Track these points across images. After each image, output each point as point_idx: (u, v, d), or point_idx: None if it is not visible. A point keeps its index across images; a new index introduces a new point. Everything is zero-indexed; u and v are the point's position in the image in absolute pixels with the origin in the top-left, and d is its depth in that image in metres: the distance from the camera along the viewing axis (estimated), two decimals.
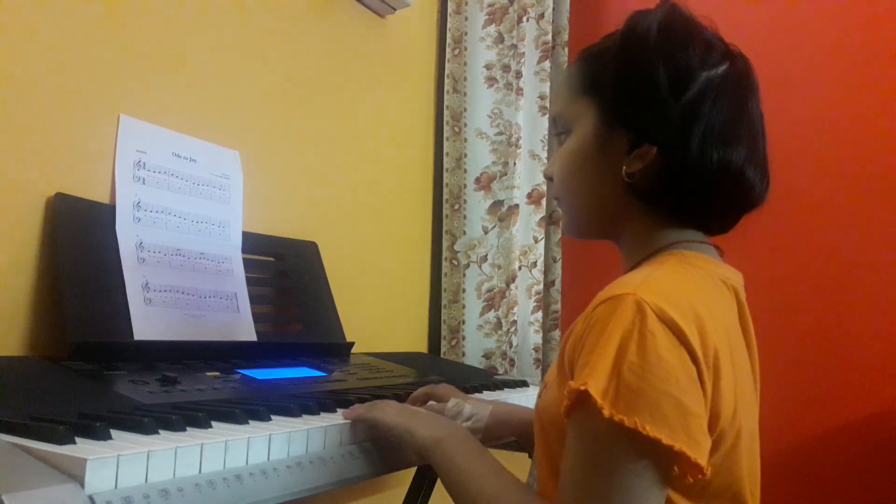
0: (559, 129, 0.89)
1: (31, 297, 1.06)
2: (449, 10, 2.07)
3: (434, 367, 1.63)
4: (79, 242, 1.08)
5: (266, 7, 1.51)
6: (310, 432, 0.82)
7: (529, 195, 2.08)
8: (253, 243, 1.38)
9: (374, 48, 1.83)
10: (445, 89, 2.05)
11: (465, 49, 2.07)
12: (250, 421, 0.83)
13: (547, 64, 2.11)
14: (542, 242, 2.08)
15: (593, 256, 2.11)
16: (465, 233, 2.03)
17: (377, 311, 1.81)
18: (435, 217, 2.07)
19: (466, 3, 2.08)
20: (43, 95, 1.10)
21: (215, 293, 1.26)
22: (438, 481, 0.86)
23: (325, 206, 1.67)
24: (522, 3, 2.07)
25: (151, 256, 1.18)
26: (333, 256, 1.58)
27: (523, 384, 1.55)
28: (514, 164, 2.01)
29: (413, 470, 1.62)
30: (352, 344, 1.48)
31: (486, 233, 2.02)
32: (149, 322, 1.13)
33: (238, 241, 1.35)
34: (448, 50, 2.07)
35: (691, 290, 0.74)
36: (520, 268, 2.03)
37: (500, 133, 2.04)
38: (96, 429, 0.67)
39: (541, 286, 2.06)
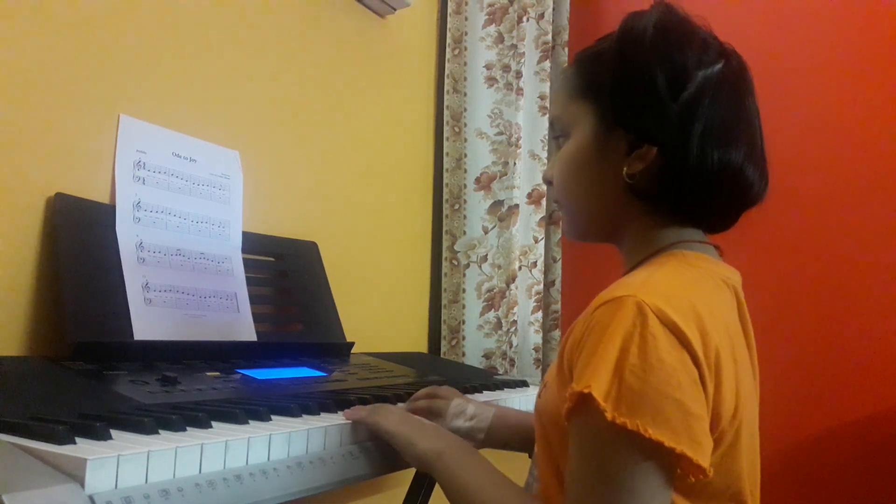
0: (557, 133, 0.89)
1: (31, 297, 1.06)
2: (449, 10, 2.07)
3: (434, 367, 1.63)
4: (79, 242, 1.08)
5: (266, 7, 1.51)
6: (310, 432, 0.82)
7: (529, 195, 2.08)
8: (253, 243, 1.38)
9: (374, 48, 1.83)
10: (445, 89, 2.05)
11: (465, 49, 2.07)
12: (250, 421, 0.83)
13: (547, 64, 2.11)
14: (542, 242, 2.08)
15: (593, 256, 2.11)
16: (465, 233, 2.03)
17: (377, 311, 1.81)
18: (435, 217, 2.07)
19: (466, 3, 2.08)
20: (43, 95, 1.10)
21: (215, 293, 1.26)
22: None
23: (325, 206, 1.67)
24: (522, 3, 2.07)
25: (151, 256, 1.18)
26: (333, 256, 1.58)
27: (523, 384, 1.55)
28: (514, 164, 2.01)
29: (413, 470, 1.62)
30: (352, 344, 1.48)
31: (486, 233, 2.02)
32: (149, 322, 1.13)
33: (238, 241, 1.35)
34: (448, 50, 2.07)
35: (692, 290, 0.74)
36: (520, 268, 2.03)
37: (500, 133, 2.04)
38: (96, 429, 0.67)
39: (541, 286, 2.06)
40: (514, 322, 1.98)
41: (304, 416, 0.90)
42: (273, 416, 0.87)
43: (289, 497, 0.75)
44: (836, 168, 2.02)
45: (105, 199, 1.16)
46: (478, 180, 2.04)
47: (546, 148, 2.09)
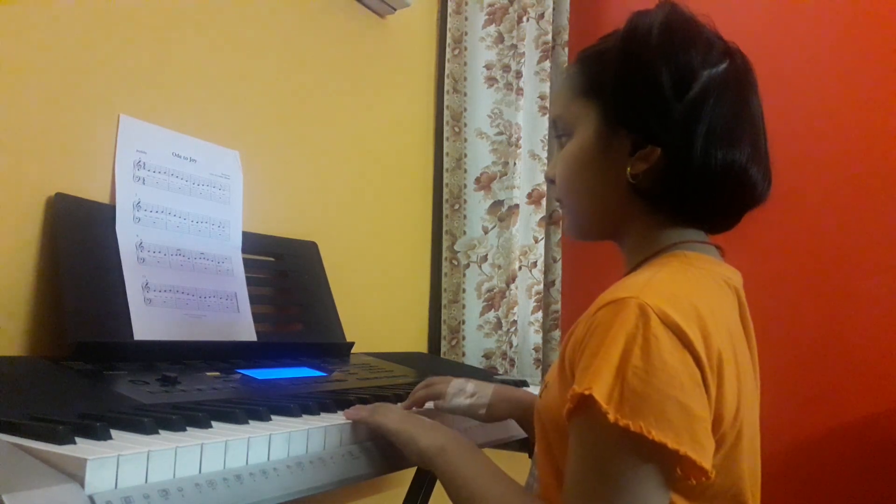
0: (560, 132, 0.89)
1: (31, 297, 1.06)
2: (449, 10, 2.07)
3: (434, 367, 1.63)
4: (79, 242, 1.08)
5: (266, 7, 1.51)
6: (310, 432, 0.82)
7: (529, 195, 2.08)
8: (253, 243, 1.38)
9: (374, 48, 1.83)
10: (445, 89, 2.05)
11: (465, 49, 2.07)
12: (250, 421, 0.83)
13: (547, 64, 2.11)
14: (543, 242, 2.08)
15: (593, 256, 2.11)
16: (465, 233, 2.03)
17: (377, 311, 1.81)
18: (435, 217, 2.07)
19: (466, 3, 2.08)
20: (43, 95, 1.10)
21: (215, 293, 1.26)
22: (438, 481, 0.86)
23: (325, 206, 1.67)
24: (522, 3, 2.07)
25: (151, 256, 1.18)
26: (333, 256, 1.58)
27: (523, 384, 1.55)
28: (514, 164, 2.01)
29: (413, 470, 1.62)
30: (352, 344, 1.48)
31: (486, 233, 2.02)
32: (149, 322, 1.13)
33: (238, 241, 1.35)
34: (448, 50, 2.07)
35: (694, 291, 0.74)
36: (520, 268, 2.03)
37: (500, 133, 2.04)
38: (96, 429, 0.67)
39: (541, 286, 2.06)
40: (514, 322, 1.98)
41: (304, 416, 0.90)
42: (273, 416, 0.87)
43: (289, 497, 0.75)
44: (836, 168, 2.02)
45: (105, 199, 1.16)
46: (478, 180, 2.04)
47: (546, 148, 2.09)
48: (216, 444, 0.70)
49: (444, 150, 2.05)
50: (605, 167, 0.82)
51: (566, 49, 2.18)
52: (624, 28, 0.81)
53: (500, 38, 2.07)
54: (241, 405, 0.89)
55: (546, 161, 2.09)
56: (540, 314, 2.05)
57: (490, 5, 2.07)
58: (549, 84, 2.11)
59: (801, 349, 2.00)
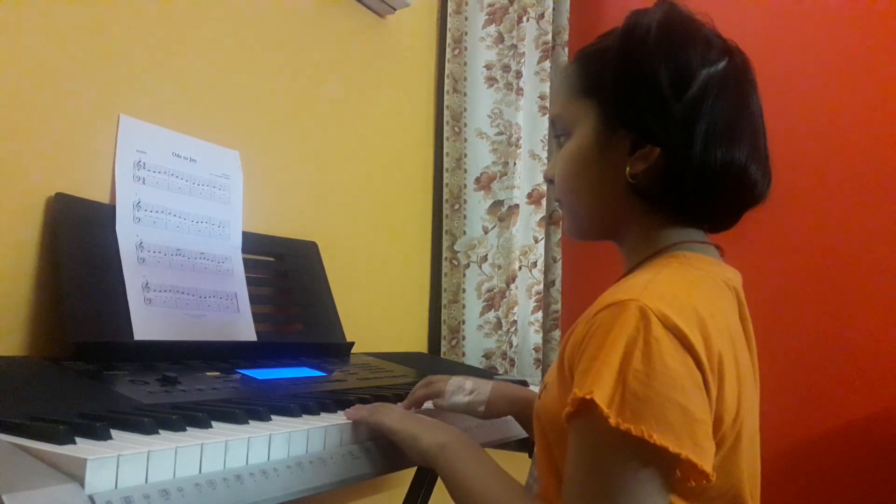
0: (559, 131, 0.88)
1: (31, 297, 1.06)
2: (449, 10, 2.07)
3: (434, 367, 1.63)
4: (79, 242, 1.08)
5: (266, 7, 1.51)
6: (310, 432, 0.82)
7: (529, 195, 2.08)
8: (253, 243, 1.38)
9: (374, 48, 1.83)
10: (445, 89, 2.05)
11: (465, 49, 2.07)
12: (250, 421, 0.83)
13: (547, 64, 2.11)
14: (542, 242, 2.08)
15: (593, 256, 2.11)
16: (465, 233, 2.03)
17: (377, 311, 1.81)
18: (435, 217, 2.07)
19: (466, 3, 2.08)
20: (43, 95, 1.10)
21: (215, 293, 1.26)
22: (438, 481, 0.86)
23: (325, 206, 1.67)
24: (522, 3, 2.07)
25: (151, 256, 1.18)
26: (333, 256, 1.58)
27: (523, 384, 1.55)
28: (514, 164, 2.01)
29: (413, 470, 1.62)
30: (352, 344, 1.48)
31: (486, 233, 2.02)
32: (149, 322, 1.13)
33: (238, 241, 1.35)
34: (448, 50, 2.07)
35: (694, 293, 0.73)
36: (520, 268, 2.03)
37: (500, 133, 2.04)
38: (96, 429, 0.67)
39: (541, 286, 2.06)
40: (514, 322, 1.98)
41: (304, 416, 0.90)
42: (273, 416, 0.87)
43: (289, 497, 0.75)
44: (836, 168, 2.02)
45: (105, 199, 1.16)
46: (478, 180, 2.04)
47: (546, 148, 2.09)
48: (216, 444, 0.70)
49: (444, 150, 2.05)
50: (604, 167, 0.82)
51: (566, 49, 2.18)
52: (622, 27, 0.81)
53: (500, 38, 2.07)
54: (241, 405, 0.89)
55: (546, 161, 2.09)
56: (540, 314, 2.05)
57: (490, 5, 2.07)
58: (549, 84, 2.11)
59: (801, 349, 2.00)
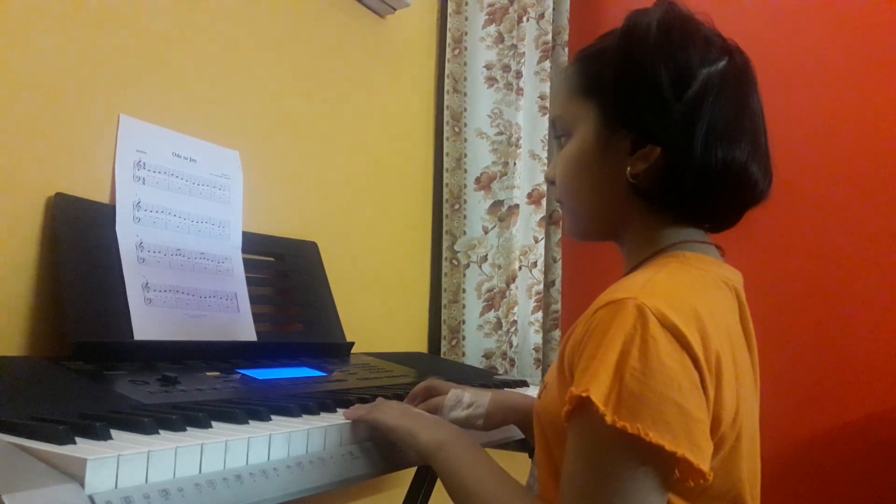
0: (559, 132, 0.88)
1: (31, 297, 1.06)
2: (449, 10, 2.07)
3: (434, 367, 1.63)
4: (79, 242, 1.08)
5: (266, 7, 1.51)
6: (310, 432, 0.82)
7: (529, 195, 2.08)
8: (253, 243, 1.38)
9: (374, 48, 1.83)
10: (445, 89, 2.05)
11: (465, 49, 2.07)
12: (250, 421, 0.83)
13: (547, 64, 2.11)
14: (543, 242, 2.08)
15: (593, 256, 2.11)
16: (465, 233, 2.03)
17: (377, 311, 1.81)
18: (435, 217, 2.07)
19: (466, 3, 2.08)
20: (43, 95, 1.10)
21: (215, 293, 1.26)
22: (438, 481, 0.86)
23: (325, 206, 1.67)
24: (522, 3, 2.07)
25: (151, 256, 1.18)
26: (333, 256, 1.58)
27: (523, 384, 1.55)
28: (514, 164, 2.01)
29: (413, 470, 1.62)
30: (352, 344, 1.48)
31: (486, 233, 2.02)
32: (149, 322, 1.13)
33: (238, 241, 1.35)
34: (448, 50, 2.07)
35: (693, 292, 0.73)
36: (520, 268, 2.03)
37: (500, 133, 2.04)
38: (96, 429, 0.67)
39: (541, 286, 2.06)
40: (514, 322, 1.98)
41: (304, 416, 0.90)
42: (273, 416, 0.87)
43: (289, 497, 0.75)
44: (836, 168, 2.02)
45: (105, 199, 1.16)
46: (478, 180, 2.04)
47: (546, 148, 2.09)
48: (216, 444, 0.70)
49: (444, 150, 2.05)
50: (604, 167, 0.82)
51: (566, 49, 2.18)
52: (622, 27, 0.81)
53: (500, 38, 2.07)
54: (241, 405, 0.89)
55: (546, 161, 2.09)
56: (540, 314, 2.05)
57: (490, 5, 2.07)
58: (549, 84, 2.11)
59: (801, 349, 2.00)
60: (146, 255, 1.17)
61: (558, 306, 2.13)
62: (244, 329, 1.29)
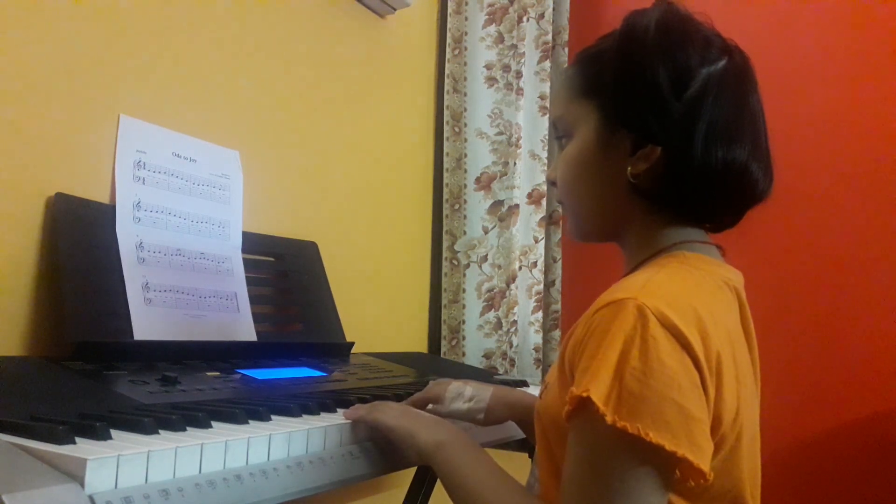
0: (560, 133, 0.89)
1: (31, 297, 1.06)
2: (449, 10, 2.07)
3: (434, 367, 1.63)
4: (79, 242, 1.08)
5: (266, 7, 1.51)
6: (310, 432, 0.82)
7: (529, 195, 2.08)
8: (253, 243, 1.38)
9: (374, 48, 1.83)
10: (445, 89, 2.05)
11: (465, 49, 2.07)
12: (250, 421, 0.83)
13: (547, 64, 2.11)
14: (543, 242, 2.08)
15: (593, 256, 2.11)
16: (465, 233, 2.03)
17: (377, 311, 1.81)
18: (435, 217, 2.07)
19: (466, 3, 2.08)
20: (43, 95, 1.10)
21: (215, 293, 1.26)
22: (438, 481, 0.86)
23: (325, 206, 1.67)
24: (522, 3, 2.07)
25: (151, 256, 1.18)
26: (333, 256, 1.58)
27: (523, 384, 1.55)
28: (515, 164, 2.01)
29: (413, 470, 1.62)
30: (352, 344, 1.48)
31: (486, 233, 2.02)
32: (149, 322, 1.13)
33: (238, 241, 1.35)
34: (448, 50, 2.07)
35: (693, 292, 0.73)
36: (520, 268, 2.03)
37: (501, 133, 2.04)
38: (96, 429, 0.67)
39: (541, 286, 2.06)
40: (515, 322, 1.98)
41: (304, 416, 0.90)
42: (273, 416, 0.87)
43: (289, 497, 0.75)
44: (836, 168, 2.02)
45: (105, 199, 1.16)
46: (478, 180, 2.04)
47: (546, 148, 2.09)
48: (216, 444, 0.70)
49: (444, 150, 2.05)
50: (605, 168, 0.82)
51: (566, 49, 2.18)
52: (621, 28, 0.81)
53: (500, 38, 2.07)
54: (241, 405, 0.89)
55: (546, 161, 2.09)
56: (540, 314, 2.05)
57: (490, 5, 2.07)
58: (549, 84, 2.11)
59: (801, 349, 2.00)
60: (146, 255, 1.17)
61: (558, 306, 2.13)
62: (244, 329, 1.29)
